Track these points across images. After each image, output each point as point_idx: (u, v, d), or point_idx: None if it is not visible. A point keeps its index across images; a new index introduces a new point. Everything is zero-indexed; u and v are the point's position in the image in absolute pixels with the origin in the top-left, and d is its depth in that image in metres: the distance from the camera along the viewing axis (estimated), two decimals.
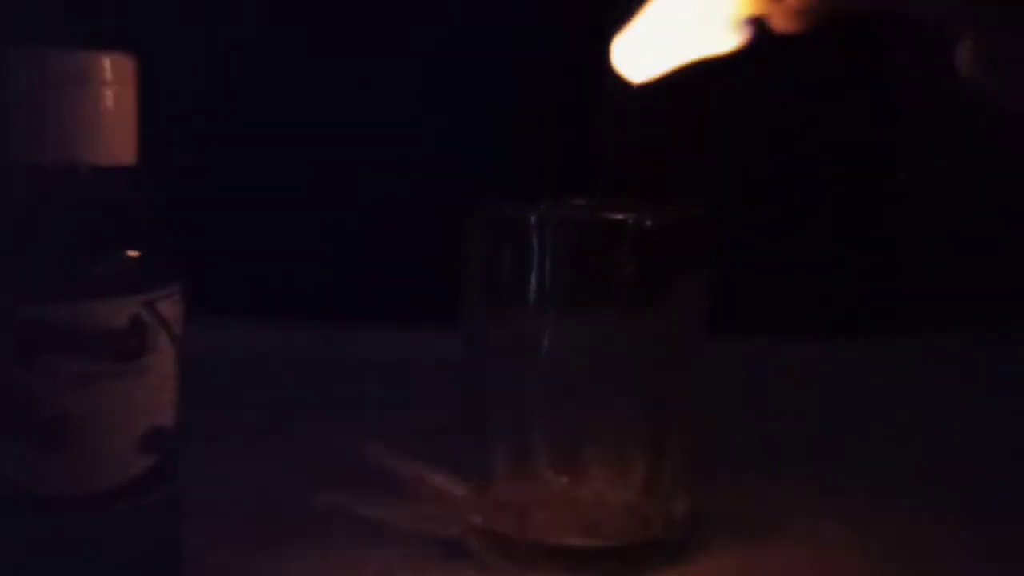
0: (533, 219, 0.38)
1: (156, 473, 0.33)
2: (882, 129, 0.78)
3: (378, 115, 0.75)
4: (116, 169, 0.33)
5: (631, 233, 0.38)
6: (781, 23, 0.37)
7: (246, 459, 0.47)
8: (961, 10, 0.36)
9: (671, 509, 0.39)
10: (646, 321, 0.38)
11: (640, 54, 0.38)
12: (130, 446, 0.32)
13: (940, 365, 0.67)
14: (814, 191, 0.78)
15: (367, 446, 0.49)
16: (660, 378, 0.39)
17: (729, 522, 0.41)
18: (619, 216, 0.38)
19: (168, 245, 0.33)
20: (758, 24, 0.38)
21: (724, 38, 0.38)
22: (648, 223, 0.38)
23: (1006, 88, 0.35)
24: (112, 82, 0.32)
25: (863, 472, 0.49)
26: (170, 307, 0.33)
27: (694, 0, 0.38)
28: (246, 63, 0.74)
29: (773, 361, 0.66)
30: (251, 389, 0.57)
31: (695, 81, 0.39)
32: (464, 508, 0.41)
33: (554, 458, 0.39)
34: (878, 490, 0.46)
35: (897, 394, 0.62)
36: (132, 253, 0.32)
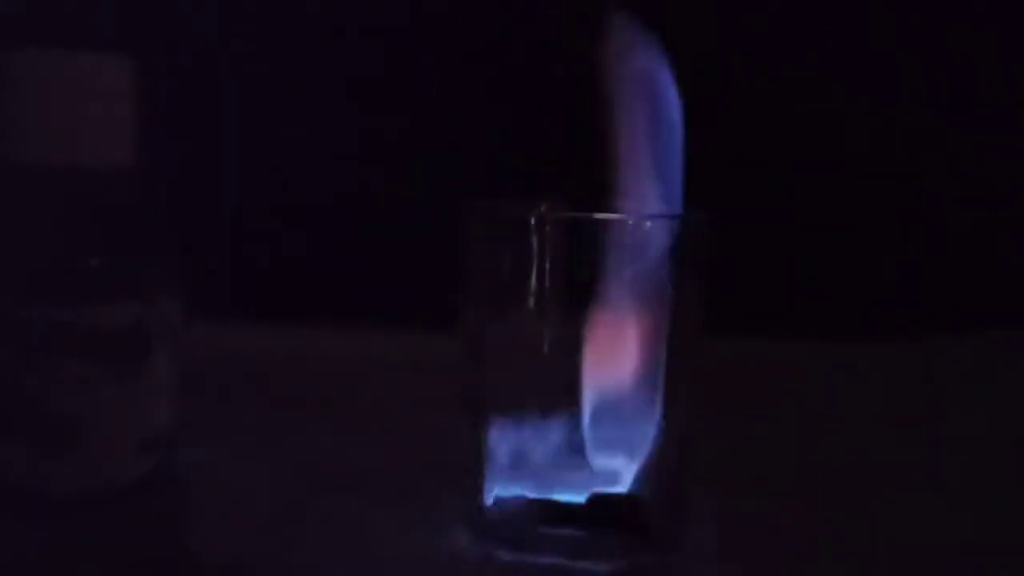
0: (532, 219, 0.38)
1: (158, 475, 0.33)
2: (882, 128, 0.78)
3: (378, 114, 0.75)
4: (117, 170, 0.33)
5: (631, 233, 0.38)
6: None
7: (247, 460, 0.47)
8: None
9: (667, 505, 0.39)
10: (646, 321, 0.38)
11: None
12: (132, 448, 0.32)
13: (938, 365, 0.68)
14: (813, 191, 0.78)
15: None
16: (660, 377, 0.39)
17: (723, 520, 0.42)
18: (619, 216, 0.38)
19: (169, 246, 0.34)
20: None
21: None
22: (648, 223, 0.38)
23: None
24: (113, 83, 0.32)
25: (862, 471, 0.49)
26: (171, 309, 0.33)
27: None
28: (244, 63, 0.74)
29: (771, 361, 0.66)
30: (252, 390, 0.58)
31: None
32: (465, 506, 0.41)
33: (553, 456, 0.39)
34: (877, 488, 0.47)
35: (896, 394, 0.62)
36: (133, 255, 0.32)
